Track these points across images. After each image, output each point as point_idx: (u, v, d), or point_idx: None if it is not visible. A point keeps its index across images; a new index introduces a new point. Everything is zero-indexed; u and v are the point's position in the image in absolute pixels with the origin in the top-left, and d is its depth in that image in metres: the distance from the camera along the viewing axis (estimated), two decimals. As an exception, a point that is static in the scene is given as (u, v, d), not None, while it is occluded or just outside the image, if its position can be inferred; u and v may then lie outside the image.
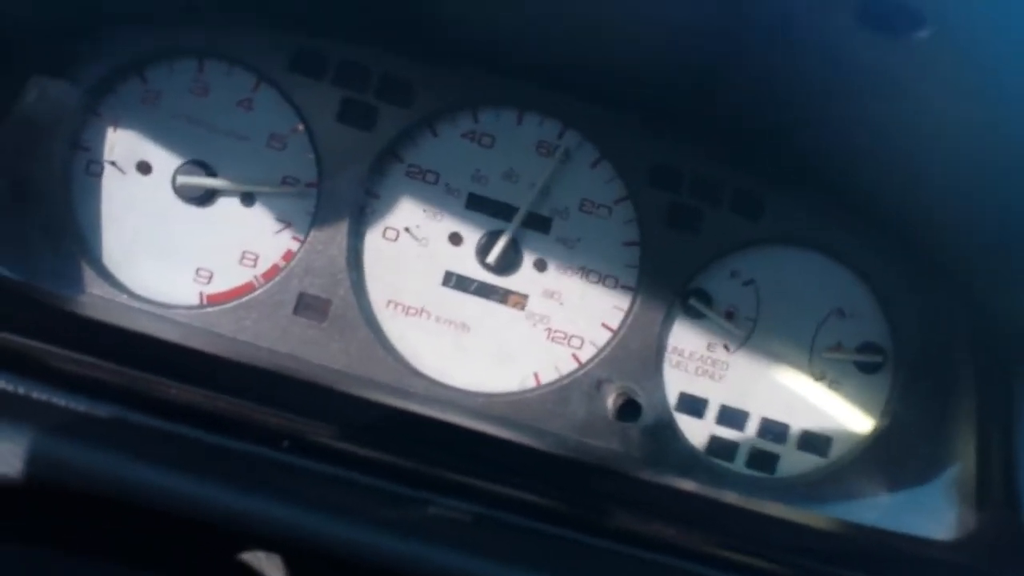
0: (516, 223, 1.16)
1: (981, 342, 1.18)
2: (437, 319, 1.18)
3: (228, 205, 1.13)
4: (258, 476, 0.84)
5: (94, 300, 1.10)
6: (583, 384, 1.18)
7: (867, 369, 1.23)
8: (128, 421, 0.83)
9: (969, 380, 1.18)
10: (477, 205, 1.17)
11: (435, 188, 1.17)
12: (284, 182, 1.14)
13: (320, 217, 1.14)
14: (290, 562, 0.90)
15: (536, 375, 1.19)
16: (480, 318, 1.18)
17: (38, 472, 0.75)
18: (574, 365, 1.19)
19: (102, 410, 0.82)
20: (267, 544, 0.88)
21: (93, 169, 1.11)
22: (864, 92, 0.95)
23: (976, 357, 1.18)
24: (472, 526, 0.86)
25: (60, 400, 0.80)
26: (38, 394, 0.78)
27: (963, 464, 1.15)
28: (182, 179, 1.11)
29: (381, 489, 0.86)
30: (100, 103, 1.11)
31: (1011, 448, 1.10)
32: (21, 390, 0.79)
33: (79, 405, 0.81)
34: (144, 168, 1.12)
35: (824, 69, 0.94)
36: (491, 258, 1.16)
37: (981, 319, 1.17)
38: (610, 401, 1.15)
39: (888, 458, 1.21)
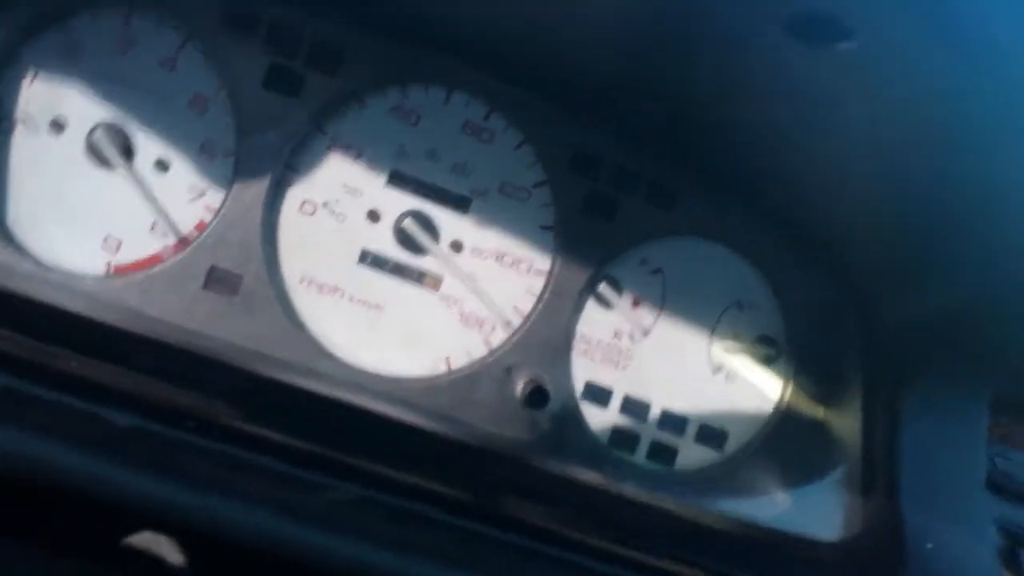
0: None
1: (869, 342, 1.23)
2: (351, 298, 1.17)
3: (142, 169, 1.10)
4: (154, 454, 0.84)
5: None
6: (493, 370, 1.19)
7: (762, 362, 1.26)
8: (24, 392, 0.82)
9: (857, 379, 1.22)
10: (398, 182, 1.16)
11: (357, 163, 1.15)
12: (202, 148, 1.11)
13: (236, 187, 1.11)
14: (183, 543, 0.90)
15: (448, 360, 1.19)
16: (394, 299, 1.18)
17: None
18: (485, 350, 1.20)
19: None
20: (160, 525, 0.88)
21: (4, 126, 1.06)
22: (783, 96, 0.97)
23: (864, 357, 1.23)
24: (370, 512, 0.88)
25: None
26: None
27: (850, 462, 1.20)
28: (95, 141, 1.07)
29: (279, 471, 0.87)
30: (20, 52, 1.05)
31: (892, 445, 1.15)
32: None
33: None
34: (57, 126, 1.07)
35: (746, 70, 0.96)
36: (408, 237, 1.16)
37: (871, 321, 1.22)
38: (519, 388, 1.17)
39: (780, 454, 1.25)
